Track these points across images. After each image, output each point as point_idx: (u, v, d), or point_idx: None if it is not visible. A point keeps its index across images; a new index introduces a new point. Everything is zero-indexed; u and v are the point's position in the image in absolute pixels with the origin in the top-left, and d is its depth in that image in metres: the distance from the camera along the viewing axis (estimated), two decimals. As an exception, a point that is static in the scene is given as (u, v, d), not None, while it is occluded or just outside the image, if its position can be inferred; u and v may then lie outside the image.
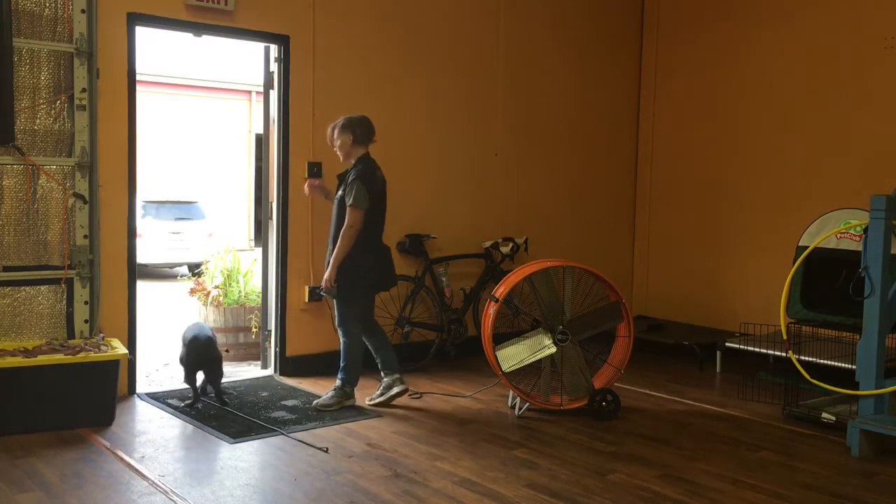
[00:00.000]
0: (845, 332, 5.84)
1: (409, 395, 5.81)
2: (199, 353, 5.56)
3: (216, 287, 7.41)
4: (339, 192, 5.52)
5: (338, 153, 5.63)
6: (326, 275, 5.43)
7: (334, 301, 5.64)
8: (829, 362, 5.78)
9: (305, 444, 4.79)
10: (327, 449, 4.70)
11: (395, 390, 5.63)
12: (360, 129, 5.52)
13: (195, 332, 5.70)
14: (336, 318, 5.65)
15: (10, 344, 5.21)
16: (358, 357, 5.60)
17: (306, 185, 5.96)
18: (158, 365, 6.90)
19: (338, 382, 5.58)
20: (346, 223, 5.34)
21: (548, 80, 7.83)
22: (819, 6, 7.11)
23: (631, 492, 4.19)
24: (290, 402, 5.67)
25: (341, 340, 5.61)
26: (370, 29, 6.69)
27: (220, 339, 7.16)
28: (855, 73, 6.87)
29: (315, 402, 5.57)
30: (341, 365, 5.59)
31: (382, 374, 5.69)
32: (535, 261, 5.99)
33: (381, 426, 5.22)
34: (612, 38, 8.28)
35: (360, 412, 5.48)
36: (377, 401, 5.65)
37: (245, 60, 14.96)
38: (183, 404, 5.54)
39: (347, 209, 5.35)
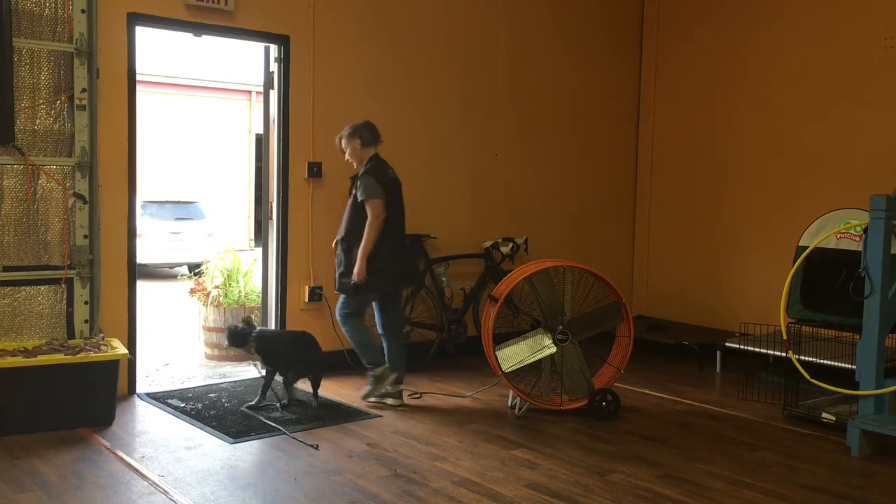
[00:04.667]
0: (845, 332, 5.83)
1: (410, 395, 5.81)
2: None
3: (216, 287, 7.41)
4: (353, 193, 5.60)
5: (351, 161, 5.73)
6: (357, 268, 5.43)
7: (342, 295, 5.65)
8: (829, 362, 5.78)
9: (299, 440, 4.80)
10: (317, 446, 4.71)
11: (388, 389, 5.61)
12: (366, 133, 5.67)
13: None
14: (337, 309, 5.71)
15: (10, 344, 5.20)
16: (363, 335, 5.65)
17: None
18: (158, 365, 6.90)
19: (368, 371, 5.65)
20: (369, 217, 5.43)
21: (548, 80, 7.83)
22: (819, 6, 7.11)
23: (631, 492, 4.19)
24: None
25: (344, 329, 5.67)
26: (370, 29, 6.69)
27: (221, 340, 7.16)
28: (855, 73, 6.87)
29: (360, 395, 5.66)
30: (359, 353, 5.68)
31: (387, 365, 5.64)
32: (535, 261, 5.99)
33: (381, 426, 5.22)
34: (612, 38, 8.29)
35: (361, 412, 5.48)
36: (372, 398, 5.62)
37: (245, 60, 14.95)
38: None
39: (366, 205, 5.44)
